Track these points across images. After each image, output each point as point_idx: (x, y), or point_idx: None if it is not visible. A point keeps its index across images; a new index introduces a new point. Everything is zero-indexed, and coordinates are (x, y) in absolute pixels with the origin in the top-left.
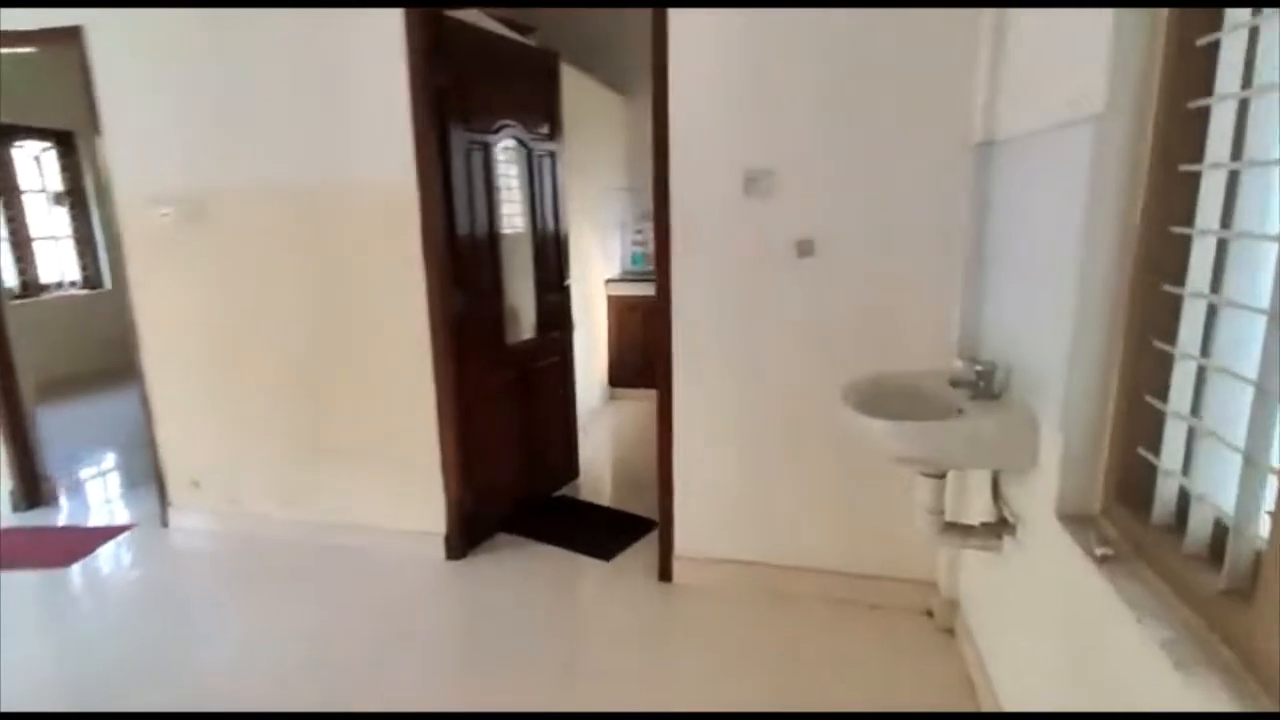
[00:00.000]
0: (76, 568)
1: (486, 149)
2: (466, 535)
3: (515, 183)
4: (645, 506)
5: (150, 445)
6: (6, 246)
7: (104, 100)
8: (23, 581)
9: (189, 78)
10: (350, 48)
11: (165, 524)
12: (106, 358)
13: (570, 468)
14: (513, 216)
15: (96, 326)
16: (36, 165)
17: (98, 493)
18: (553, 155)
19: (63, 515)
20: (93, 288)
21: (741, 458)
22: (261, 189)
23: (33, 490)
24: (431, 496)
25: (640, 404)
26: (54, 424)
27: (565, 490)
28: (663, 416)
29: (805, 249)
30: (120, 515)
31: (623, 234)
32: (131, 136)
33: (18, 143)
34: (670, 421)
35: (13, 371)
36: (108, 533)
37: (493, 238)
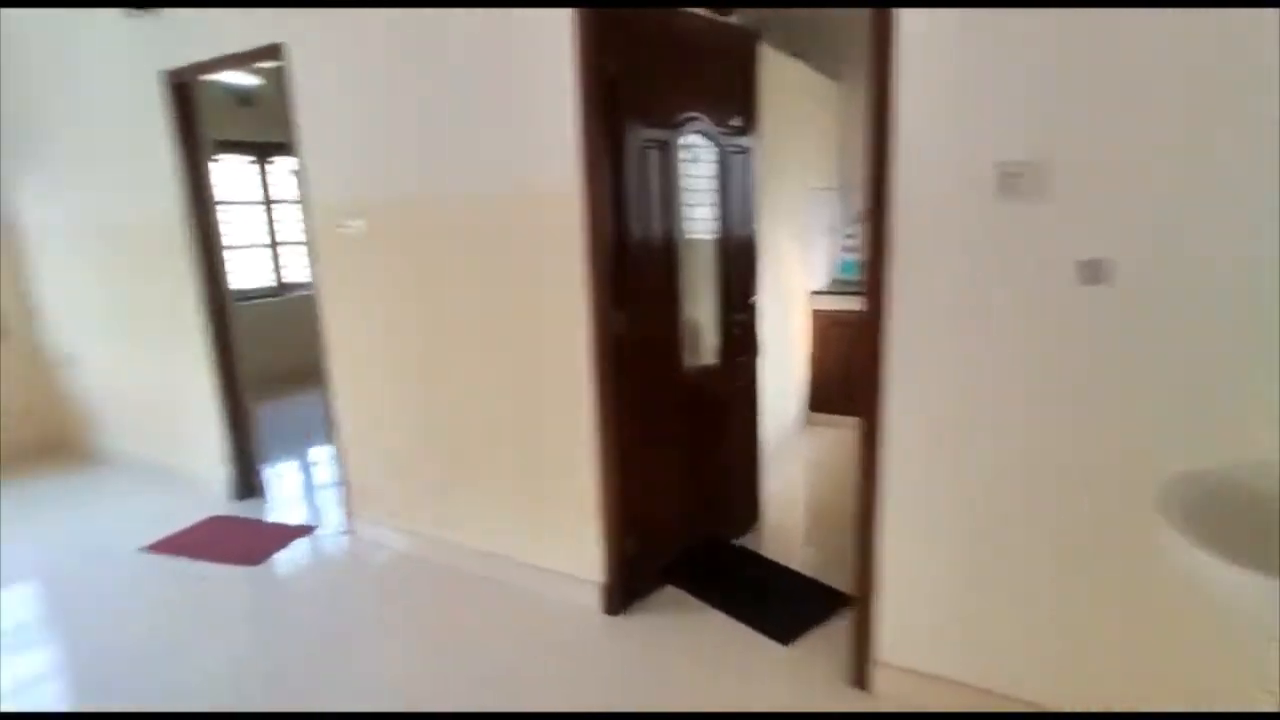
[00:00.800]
0: (262, 566)
1: (665, 147)
2: (626, 587)
3: (700, 184)
4: (839, 573)
5: (337, 449)
6: (266, 251)
7: (300, 113)
8: (215, 574)
9: (366, 90)
10: (517, 45)
11: (347, 530)
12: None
13: (750, 512)
14: (695, 223)
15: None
16: (292, 176)
17: (298, 489)
18: (746, 151)
19: (268, 507)
20: None
21: (979, 542)
22: (422, 202)
23: (247, 482)
24: (589, 538)
25: (843, 432)
26: (274, 418)
27: (744, 539)
28: (866, 463)
29: (1093, 273)
30: (311, 515)
31: (831, 239)
32: (319, 149)
33: (272, 158)
34: (874, 471)
35: (235, 368)
36: (295, 532)
37: (669, 248)
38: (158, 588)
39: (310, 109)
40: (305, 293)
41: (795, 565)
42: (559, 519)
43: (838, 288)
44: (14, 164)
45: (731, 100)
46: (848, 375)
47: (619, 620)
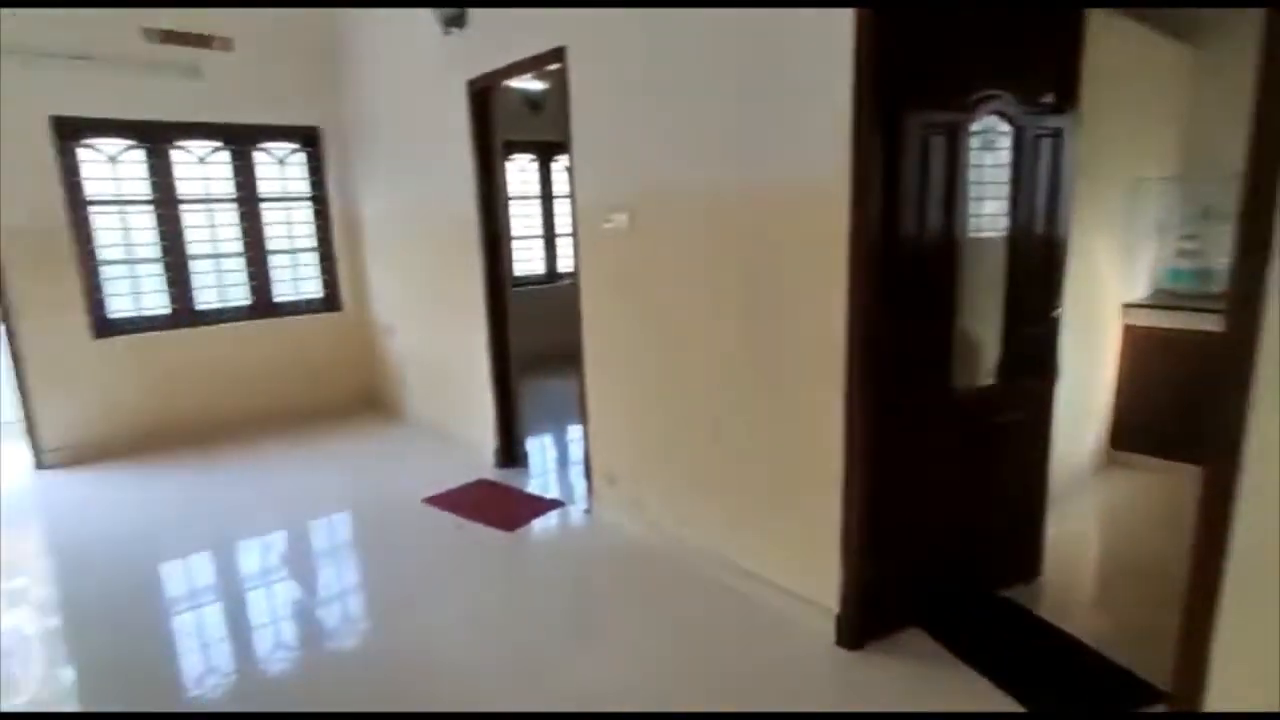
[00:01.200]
0: (517, 532)
1: (953, 131)
2: (864, 621)
3: (994, 174)
4: (1142, 655)
5: (584, 432)
6: (540, 242)
7: (574, 113)
8: (478, 533)
9: (632, 87)
10: (785, 32)
11: (588, 510)
12: None
13: (1026, 562)
14: (983, 219)
15: None
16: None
17: (552, 464)
18: (1058, 134)
19: (527, 477)
20: None
21: None
22: (681, 197)
23: (511, 453)
24: (827, 562)
25: (1156, 478)
26: (537, 396)
27: (1014, 592)
28: (1210, 522)
29: None
30: (562, 490)
31: (1160, 240)
32: (587, 146)
33: (556, 157)
34: (1221, 533)
35: (507, 347)
36: (546, 505)
37: (948, 247)
38: (431, 536)
39: (582, 108)
40: (571, 281)
41: (1081, 635)
42: (797, 534)
43: (1163, 300)
44: (361, 166)
45: (1044, 72)
46: (1171, 408)
47: (853, 656)
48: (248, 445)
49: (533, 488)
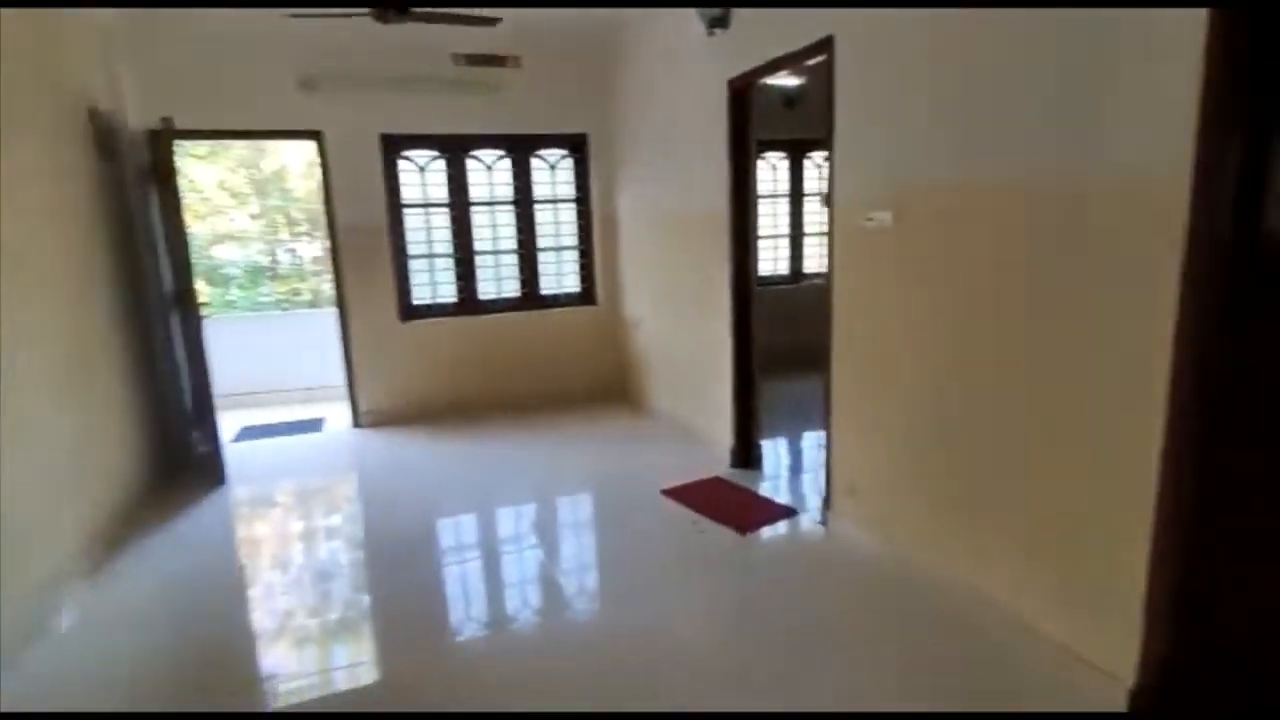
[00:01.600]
0: (750, 536)
1: None
2: (1173, 707)
3: None
4: None
5: (826, 438)
6: (785, 241)
7: (839, 107)
8: (711, 530)
9: (905, 80)
10: (1115, 27)
11: (823, 521)
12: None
13: None
14: None
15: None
16: (818, 172)
17: (787, 469)
18: None
19: (761, 480)
20: None
21: None
22: (962, 193)
23: (746, 453)
24: (1122, 623)
25: None
26: (775, 397)
27: None
28: None
29: None
30: (796, 497)
31: None
32: (852, 142)
33: (809, 154)
34: None
35: (750, 347)
36: (780, 511)
37: None
38: (667, 528)
39: (848, 102)
40: (816, 282)
41: None
42: (1078, 579)
43: None
44: (621, 168)
45: None
46: None
47: None
48: (512, 421)
49: (766, 491)
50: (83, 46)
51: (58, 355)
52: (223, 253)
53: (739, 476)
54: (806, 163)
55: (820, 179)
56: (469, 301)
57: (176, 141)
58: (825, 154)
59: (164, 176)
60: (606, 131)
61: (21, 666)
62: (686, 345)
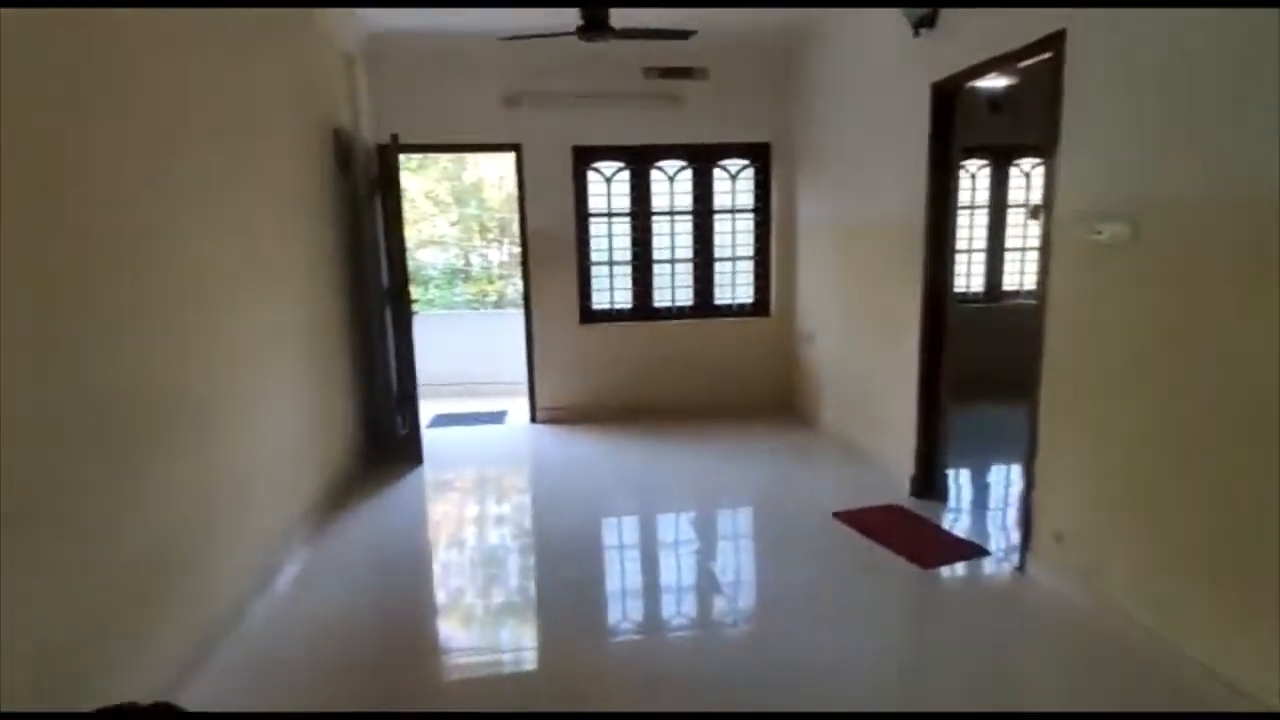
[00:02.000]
0: (930, 572)
1: None
2: None
3: None
4: None
5: (1026, 475)
6: (982, 255)
7: (1068, 108)
8: (886, 561)
9: (1154, 76)
10: None
11: (1019, 565)
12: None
13: None
14: None
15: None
16: (1025, 180)
17: (976, 502)
18: None
19: (945, 512)
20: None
21: None
22: (1217, 207)
23: (930, 482)
24: None
25: None
26: (964, 423)
27: None
28: None
29: None
30: (985, 535)
31: None
32: (1080, 147)
33: (1016, 161)
34: None
35: (940, 369)
36: (967, 549)
37: None
38: (838, 552)
39: (1080, 102)
40: (1018, 301)
41: None
42: None
43: None
44: (803, 178)
45: None
46: None
47: None
48: (681, 427)
49: (950, 525)
50: (332, 74)
51: (303, 343)
52: (424, 256)
53: (919, 506)
54: (1012, 170)
55: (1027, 189)
56: (645, 308)
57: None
58: (1036, 161)
59: (389, 186)
60: (789, 140)
61: (251, 615)
62: (865, 362)
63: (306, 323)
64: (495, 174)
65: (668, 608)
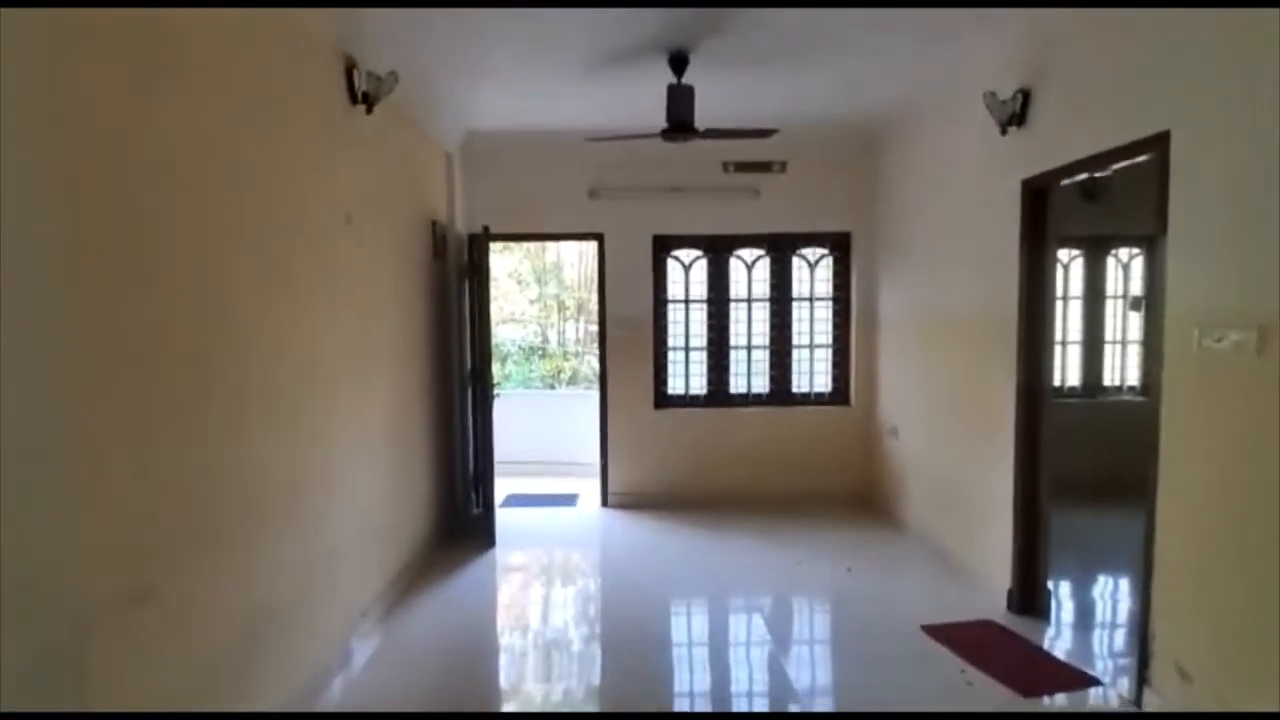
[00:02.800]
0: (1032, 701)
1: None
2: None
3: None
4: None
5: (1142, 597)
6: (1077, 349)
7: (1176, 206)
8: (982, 686)
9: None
10: None
11: (1135, 700)
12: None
13: None
14: None
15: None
16: (1122, 271)
17: (1085, 624)
18: None
19: (1048, 633)
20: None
21: None
22: None
23: (1029, 597)
24: None
25: None
26: (1068, 531)
27: None
28: None
29: None
30: (1097, 662)
31: None
32: (1194, 245)
33: (1113, 251)
34: None
35: (1038, 470)
36: (1075, 678)
37: None
38: (929, 673)
39: (1190, 203)
40: (1120, 398)
41: None
42: None
43: None
44: (885, 268)
45: None
46: None
47: None
48: (754, 518)
49: (1052, 647)
50: (433, 170)
51: (387, 418)
52: (504, 332)
53: (1018, 624)
54: (1110, 261)
55: (1124, 279)
56: (720, 394)
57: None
58: (1134, 251)
59: (478, 273)
60: (870, 230)
61: (329, 692)
62: (954, 460)
63: (392, 400)
64: (575, 251)
65: (739, 691)
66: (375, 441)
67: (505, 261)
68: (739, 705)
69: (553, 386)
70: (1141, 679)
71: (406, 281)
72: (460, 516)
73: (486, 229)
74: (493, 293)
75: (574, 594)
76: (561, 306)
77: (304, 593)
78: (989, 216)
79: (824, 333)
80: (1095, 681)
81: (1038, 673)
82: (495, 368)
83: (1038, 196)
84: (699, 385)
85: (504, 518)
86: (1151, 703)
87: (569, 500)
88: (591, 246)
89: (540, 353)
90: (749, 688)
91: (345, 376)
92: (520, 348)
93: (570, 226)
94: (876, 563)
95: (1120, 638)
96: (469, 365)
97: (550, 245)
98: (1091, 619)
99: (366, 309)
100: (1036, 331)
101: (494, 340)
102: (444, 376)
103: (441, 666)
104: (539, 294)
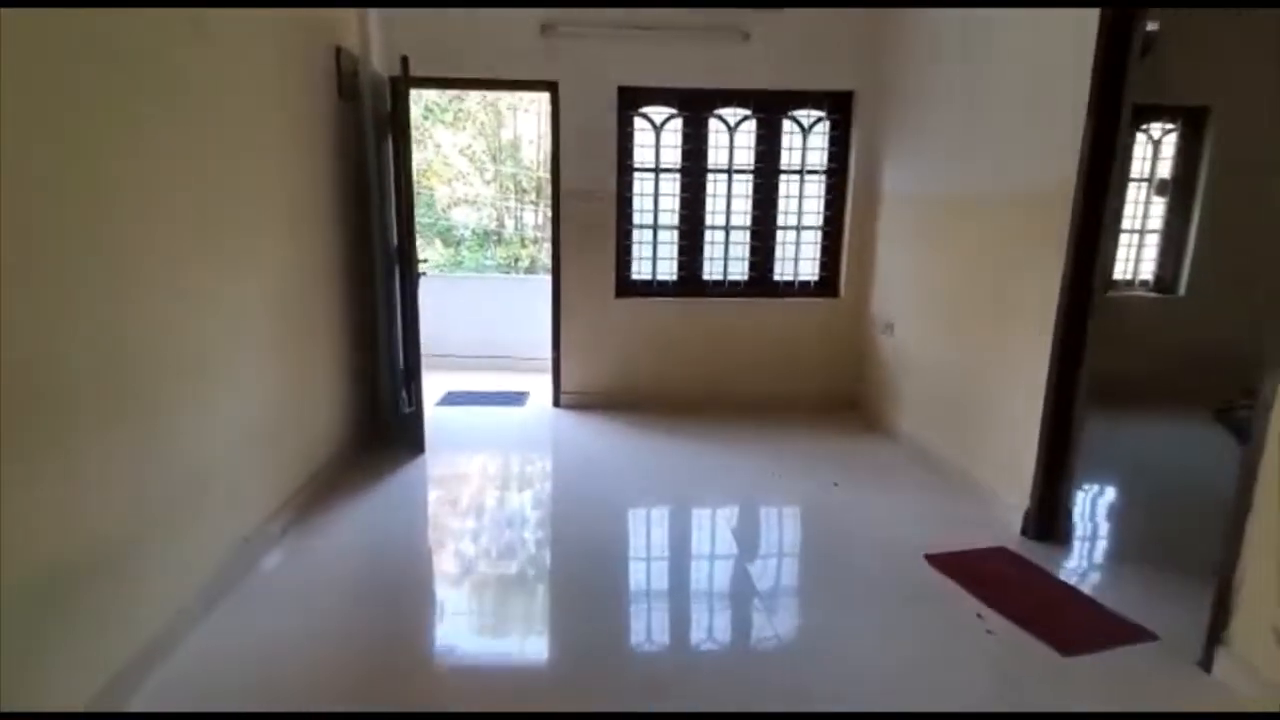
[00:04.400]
0: (1072, 660)
1: None
2: None
3: None
4: None
5: (1231, 535)
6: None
7: None
8: (1006, 633)
9: None
10: None
11: (1203, 662)
12: (1169, 375)
13: None
14: None
15: (1160, 335)
16: (1152, 148)
17: (1122, 558)
18: None
19: (1068, 564)
20: (1163, 291)
21: None
22: None
23: (1047, 520)
24: None
25: None
26: (1105, 442)
27: None
28: None
29: None
30: (1145, 612)
31: None
32: None
33: (1146, 124)
34: None
35: (1078, 376)
36: (1121, 633)
37: None
38: (935, 615)
39: None
40: (1133, 293)
41: None
42: None
43: None
44: (894, 135)
45: None
46: None
47: None
48: (727, 423)
49: (1083, 584)
50: None
51: (278, 300)
52: (458, 215)
53: (1036, 552)
54: (1139, 136)
55: (1153, 159)
56: (691, 281)
57: (426, 98)
58: (1169, 127)
59: (400, 126)
60: (879, 89)
61: (213, 621)
62: (962, 360)
63: (288, 282)
64: (534, 131)
65: (697, 628)
66: (259, 327)
67: (456, 138)
68: (700, 637)
69: (508, 275)
70: (1214, 637)
71: (298, 126)
72: (388, 417)
73: (406, 64)
74: (445, 173)
75: (515, 508)
76: (519, 188)
77: (153, 523)
78: (1042, 66)
79: (814, 212)
80: (1150, 635)
81: (1073, 621)
82: (447, 254)
83: (1118, 33)
84: (668, 270)
85: (440, 418)
86: (1224, 668)
87: (517, 399)
88: (548, 116)
89: (496, 238)
90: (719, 636)
91: (203, 239)
92: (475, 233)
93: (517, 72)
94: (866, 476)
95: (1173, 580)
96: (394, 242)
97: (507, 120)
98: (1128, 551)
99: (234, 152)
100: (1097, 211)
101: (447, 224)
102: (362, 253)
103: (352, 591)
104: (494, 174)
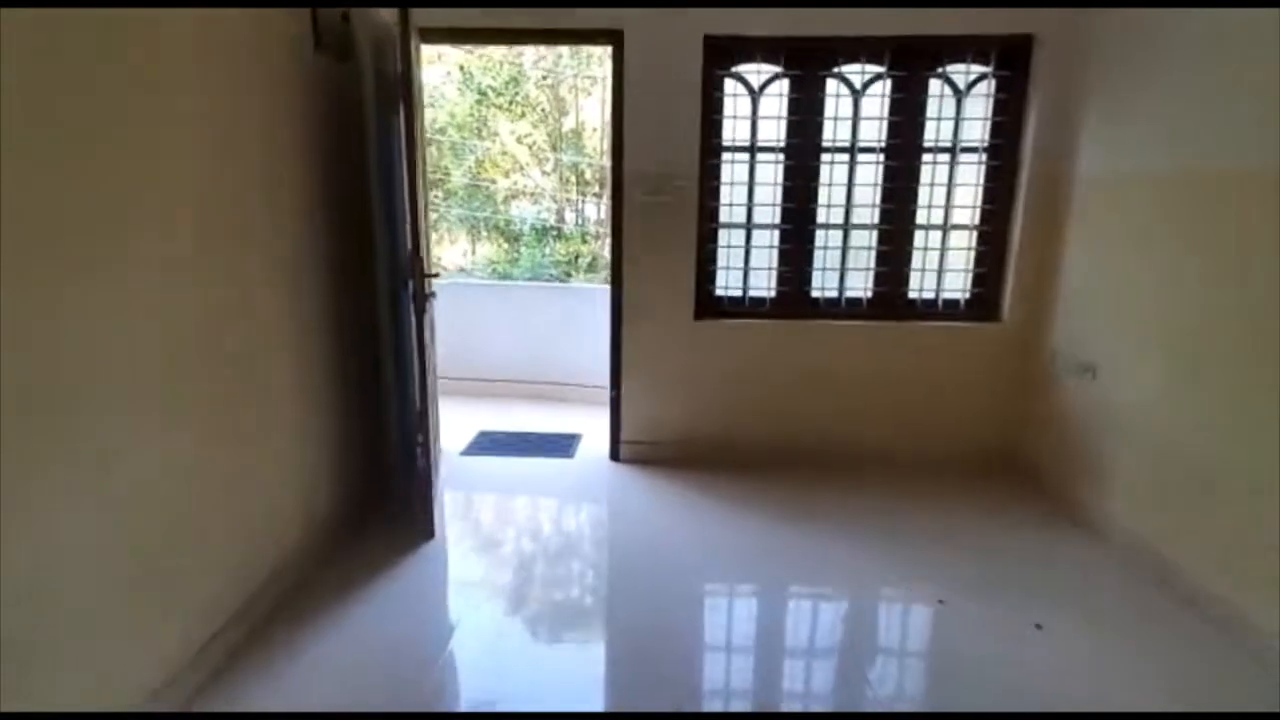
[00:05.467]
0: None
1: None
2: None
3: None
4: None
5: None
6: None
7: None
8: None
9: None
10: None
11: None
12: None
13: None
14: None
15: None
16: None
17: None
18: None
19: None
20: None
21: None
22: None
23: None
24: None
25: None
26: None
27: None
28: None
29: None
30: None
31: None
32: None
33: None
34: None
35: None
36: None
37: None
38: None
39: None
40: None
41: None
42: None
43: None
44: (1097, 99)
45: None
46: None
47: None
48: (842, 486)
49: None
50: None
51: (198, 348)
52: (516, 209)
53: None
54: None
55: None
56: (796, 299)
57: (481, 83)
58: None
59: (405, 89)
60: (1070, 32)
61: None
62: (1231, 426)
63: (218, 315)
64: (598, 119)
65: None
66: (150, 383)
67: (516, 126)
68: None
69: (569, 275)
70: None
71: (235, 87)
72: (396, 484)
73: (405, 12)
74: (503, 164)
75: (562, 638)
76: (581, 179)
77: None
78: None
79: (968, 206)
80: None
81: None
82: (503, 249)
83: None
84: (764, 284)
85: (465, 474)
86: None
87: (564, 447)
88: (610, 84)
89: (555, 234)
90: None
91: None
92: (534, 228)
93: (566, 20)
94: (1073, 604)
95: None
96: (408, 248)
97: (570, 108)
98: None
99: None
100: None
101: (504, 219)
102: (357, 267)
103: None
104: (554, 164)
